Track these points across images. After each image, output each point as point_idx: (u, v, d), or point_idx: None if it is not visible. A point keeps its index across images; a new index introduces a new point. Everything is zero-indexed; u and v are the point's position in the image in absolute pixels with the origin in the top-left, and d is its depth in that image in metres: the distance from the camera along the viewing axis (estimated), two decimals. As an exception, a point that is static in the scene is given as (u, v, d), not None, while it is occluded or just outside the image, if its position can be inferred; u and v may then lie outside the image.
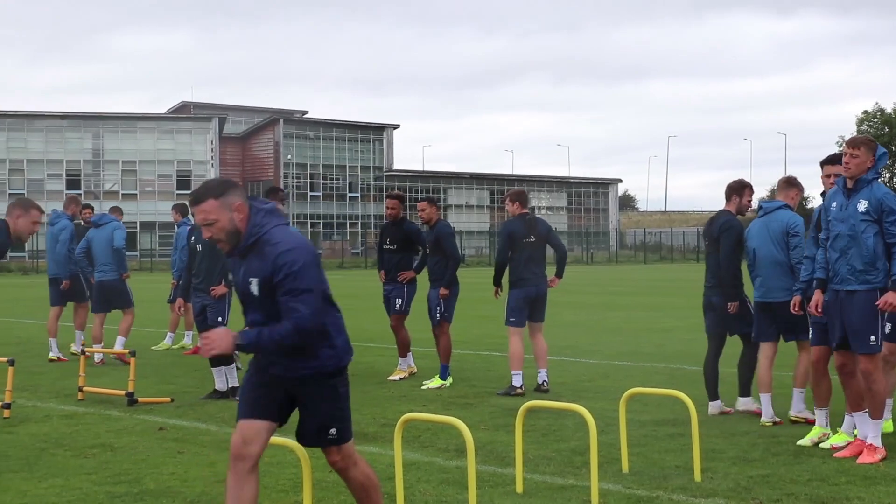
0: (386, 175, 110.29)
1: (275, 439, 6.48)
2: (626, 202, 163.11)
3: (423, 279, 14.26)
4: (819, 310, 9.28)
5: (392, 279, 14.40)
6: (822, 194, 9.97)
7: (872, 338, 8.86)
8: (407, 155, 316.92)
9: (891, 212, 8.83)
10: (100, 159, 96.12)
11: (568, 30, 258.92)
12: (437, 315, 13.95)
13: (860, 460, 8.80)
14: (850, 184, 9.03)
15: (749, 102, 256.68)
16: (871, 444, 8.89)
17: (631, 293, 38.32)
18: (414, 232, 14.50)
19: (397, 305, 14.33)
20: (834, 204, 9.15)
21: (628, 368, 15.40)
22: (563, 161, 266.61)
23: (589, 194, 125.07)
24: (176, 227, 18.66)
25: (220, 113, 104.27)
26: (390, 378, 14.27)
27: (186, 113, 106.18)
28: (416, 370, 14.65)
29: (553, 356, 16.83)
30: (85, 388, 12.81)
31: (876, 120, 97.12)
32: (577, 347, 18.39)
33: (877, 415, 8.93)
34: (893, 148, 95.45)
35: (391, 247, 14.45)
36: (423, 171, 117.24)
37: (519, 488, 7.93)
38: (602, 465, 8.45)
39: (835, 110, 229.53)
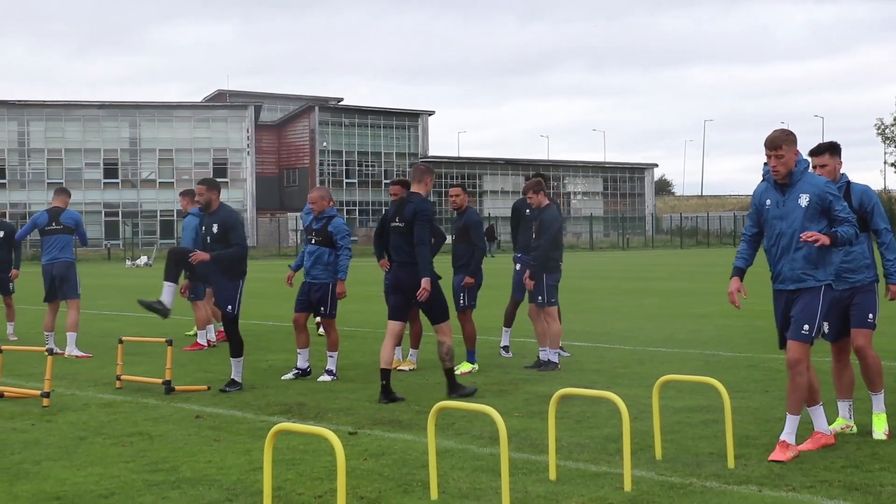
0: (421, 161, 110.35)
1: (309, 428, 6.53)
2: (663, 187, 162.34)
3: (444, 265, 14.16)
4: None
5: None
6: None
7: (806, 327, 8.59)
8: (444, 142, 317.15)
9: (836, 199, 8.63)
10: (137, 148, 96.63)
11: (607, 18, 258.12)
12: (462, 303, 14.05)
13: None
14: (785, 179, 8.78)
15: (786, 87, 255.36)
16: (784, 441, 8.57)
17: (667, 278, 38.22)
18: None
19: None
20: (768, 201, 8.87)
21: (663, 355, 15.38)
22: (599, 147, 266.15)
23: (625, 179, 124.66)
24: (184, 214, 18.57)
25: (256, 101, 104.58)
26: (399, 369, 14.12)
27: (222, 101, 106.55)
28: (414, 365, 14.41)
29: (589, 342, 16.87)
30: (123, 377, 12.94)
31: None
32: (612, 334, 18.38)
33: (795, 410, 8.64)
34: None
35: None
36: (458, 158, 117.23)
37: (552, 475, 7.96)
38: (635, 452, 8.46)
39: (873, 94, 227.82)
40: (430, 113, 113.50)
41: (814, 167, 9.38)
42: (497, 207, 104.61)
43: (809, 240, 8.45)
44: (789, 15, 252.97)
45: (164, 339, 13.08)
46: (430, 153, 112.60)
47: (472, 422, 10.19)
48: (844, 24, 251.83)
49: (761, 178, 9.15)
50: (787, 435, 8.58)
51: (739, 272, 9.10)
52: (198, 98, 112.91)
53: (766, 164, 8.85)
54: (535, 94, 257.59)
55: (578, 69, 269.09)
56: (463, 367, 13.88)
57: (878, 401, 9.50)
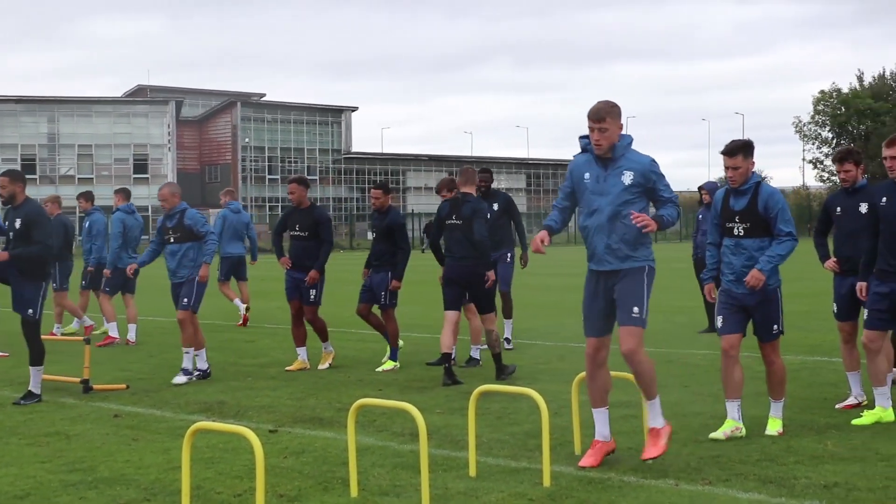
0: (344, 158, 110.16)
1: (228, 426, 6.50)
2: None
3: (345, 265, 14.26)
4: (712, 296, 9.59)
5: (301, 267, 13.97)
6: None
7: (636, 309, 8.24)
8: (369, 138, 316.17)
9: (660, 178, 8.26)
10: (55, 143, 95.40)
11: (536, 15, 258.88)
12: (384, 301, 14.02)
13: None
14: (607, 154, 8.26)
15: (710, 84, 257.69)
16: (653, 428, 8.28)
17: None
18: (324, 220, 14.19)
19: (312, 297, 13.94)
20: (587, 175, 8.34)
21: (584, 351, 15.45)
22: (524, 144, 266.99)
23: (548, 175, 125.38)
24: (85, 213, 18.68)
25: (177, 96, 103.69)
26: (320, 367, 14.05)
27: (143, 96, 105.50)
28: (307, 366, 14.13)
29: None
30: (40, 376, 12.76)
31: (833, 100, 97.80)
32: (533, 330, 18.47)
33: (650, 395, 8.37)
34: (850, 127, 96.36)
35: (301, 233, 14.08)
36: (382, 154, 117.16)
37: (472, 472, 7.99)
38: (555, 448, 8.52)
39: (793, 91, 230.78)
40: (354, 109, 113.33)
41: (726, 168, 9.17)
42: (420, 204, 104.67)
43: (639, 223, 8.04)
44: (715, 13, 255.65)
45: (81, 338, 12.93)
46: (354, 149, 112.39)
47: (392, 419, 10.20)
48: (768, 23, 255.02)
49: (580, 150, 8.51)
50: (654, 419, 8.31)
51: (548, 228, 8.47)
52: (120, 93, 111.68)
53: (583, 136, 8.38)
54: (462, 91, 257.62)
55: (505, 66, 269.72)
56: (386, 365, 13.89)
57: (777, 408, 9.44)
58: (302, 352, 14.12)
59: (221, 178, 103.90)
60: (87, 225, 18.13)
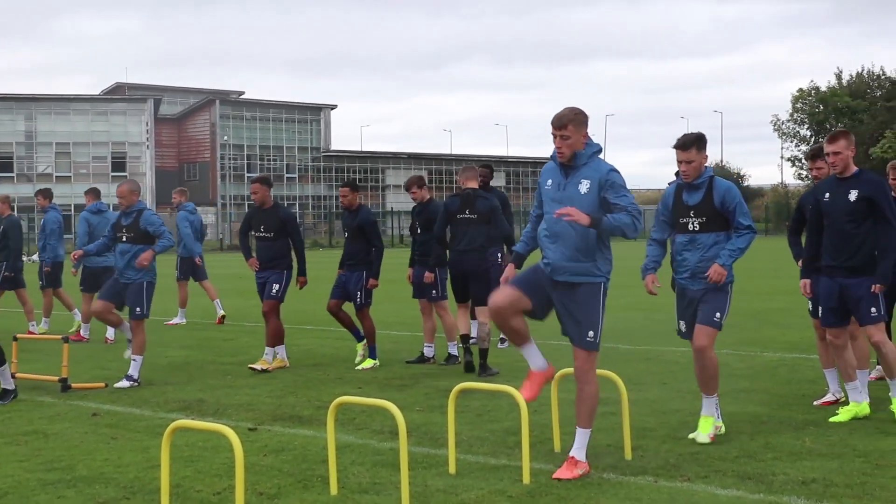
0: (324, 156, 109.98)
1: (207, 424, 6.49)
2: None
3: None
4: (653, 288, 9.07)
5: (268, 266, 13.87)
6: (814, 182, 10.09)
7: (591, 334, 8.00)
8: (349, 136, 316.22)
9: (616, 187, 7.90)
10: (33, 141, 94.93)
11: (515, 13, 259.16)
12: (360, 301, 13.96)
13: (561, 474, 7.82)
14: (570, 162, 8.01)
15: (689, 82, 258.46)
16: (572, 457, 7.91)
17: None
18: (290, 219, 14.15)
19: (274, 290, 13.79)
20: (549, 182, 8.11)
21: (563, 348, 15.37)
22: (503, 142, 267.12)
23: (527, 173, 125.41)
24: (43, 211, 18.75)
25: (155, 94, 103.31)
26: (251, 367, 13.69)
27: (121, 94, 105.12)
28: (287, 364, 14.01)
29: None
30: (17, 375, 12.69)
31: (811, 98, 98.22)
32: (513, 327, 18.45)
33: (585, 424, 8.02)
34: (828, 125, 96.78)
35: (267, 234, 13.94)
36: (361, 152, 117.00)
37: (452, 469, 8.00)
38: (534, 445, 8.53)
39: (771, 90, 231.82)
40: (333, 107, 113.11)
41: (679, 162, 8.92)
42: (400, 202, 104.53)
43: (564, 215, 7.73)
44: (694, 12, 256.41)
45: (59, 336, 12.88)
46: (333, 147, 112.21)
47: (372, 416, 10.20)
48: (747, 22, 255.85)
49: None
50: (577, 450, 7.95)
51: (518, 258, 8.45)
52: (98, 91, 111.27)
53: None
54: (441, 89, 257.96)
55: (484, 64, 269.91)
56: (365, 364, 13.88)
57: (710, 404, 9.07)
58: (280, 350, 14.05)
59: (200, 176, 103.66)
60: (42, 223, 18.30)
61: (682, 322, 9.20)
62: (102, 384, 12.61)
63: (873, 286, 9.48)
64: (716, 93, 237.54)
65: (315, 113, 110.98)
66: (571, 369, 8.95)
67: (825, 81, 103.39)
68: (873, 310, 9.54)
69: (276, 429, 9.83)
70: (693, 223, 8.96)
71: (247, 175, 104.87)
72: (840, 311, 9.71)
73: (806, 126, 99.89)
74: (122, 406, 11.26)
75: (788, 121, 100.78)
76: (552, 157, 8.18)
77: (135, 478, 8.05)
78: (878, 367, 11.94)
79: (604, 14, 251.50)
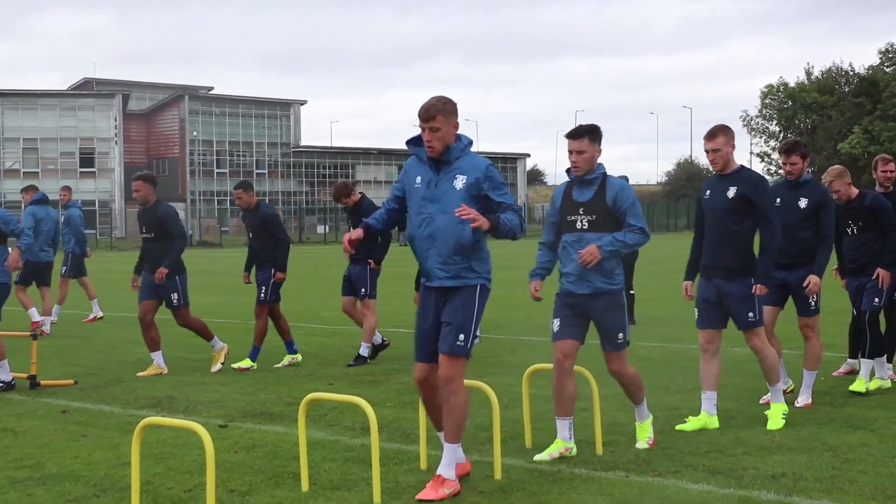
0: (293, 151, 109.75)
1: (178, 421, 6.47)
2: (535, 176, 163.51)
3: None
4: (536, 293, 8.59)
5: (153, 269, 13.25)
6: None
7: (461, 337, 7.40)
8: (319, 132, 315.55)
9: (495, 184, 7.49)
10: (0, 137, 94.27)
11: (486, 10, 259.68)
12: (263, 296, 13.84)
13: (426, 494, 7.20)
14: (441, 156, 7.44)
15: (659, 79, 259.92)
16: (439, 475, 7.30)
17: (538, 268, 38.48)
18: (170, 217, 13.34)
19: (175, 300, 13.44)
20: (418, 179, 7.50)
21: (534, 344, 15.52)
22: (472, 138, 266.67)
23: (497, 169, 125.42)
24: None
25: (124, 89, 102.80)
26: (214, 369, 13.51)
27: (89, 89, 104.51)
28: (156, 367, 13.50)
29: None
30: (-14, 372, 12.62)
31: (780, 93, 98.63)
32: (483, 322, 18.45)
33: (452, 438, 7.46)
34: (797, 121, 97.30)
35: (148, 234, 13.38)
36: (331, 147, 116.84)
37: (423, 465, 8.00)
38: (506, 441, 8.55)
39: (740, 86, 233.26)
40: (303, 102, 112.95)
41: (570, 152, 8.29)
42: (370, 197, 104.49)
43: (465, 216, 7.12)
44: (663, 9, 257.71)
45: (28, 333, 12.82)
46: (303, 143, 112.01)
47: (343, 413, 10.19)
48: (715, 19, 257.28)
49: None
50: (444, 468, 7.34)
51: (366, 226, 7.70)
52: (66, 87, 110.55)
53: (410, 140, 7.62)
54: (411, 85, 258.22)
55: (455, 60, 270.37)
56: (244, 363, 13.61)
57: (641, 410, 8.76)
58: (157, 356, 13.43)
59: (169, 172, 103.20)
60: (65, 217, 18.81)
61: (556, 321, 8.51)
62: (72, 381, 12.54)
63: (754, 286, 9.18)
64: (685, 89, 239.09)
65: (285, 108, 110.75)
66: (543, 365, 9.00)
67: (794, 77, 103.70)
68: (751, 314, 9.24)
69: (247, 425, 9.80)
70: (582, 221, 8.31)
71: (216, 171, 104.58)
72: (715, 314, 9.38)
73: (775, 122, 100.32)
74: (92, 403, 11.20)
75: (757, 116, 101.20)
76: (415, 153, 7.61)
77: (105, 475, 8.01)
78: (849, 360, 12.03)
79: (574, 11, 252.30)
